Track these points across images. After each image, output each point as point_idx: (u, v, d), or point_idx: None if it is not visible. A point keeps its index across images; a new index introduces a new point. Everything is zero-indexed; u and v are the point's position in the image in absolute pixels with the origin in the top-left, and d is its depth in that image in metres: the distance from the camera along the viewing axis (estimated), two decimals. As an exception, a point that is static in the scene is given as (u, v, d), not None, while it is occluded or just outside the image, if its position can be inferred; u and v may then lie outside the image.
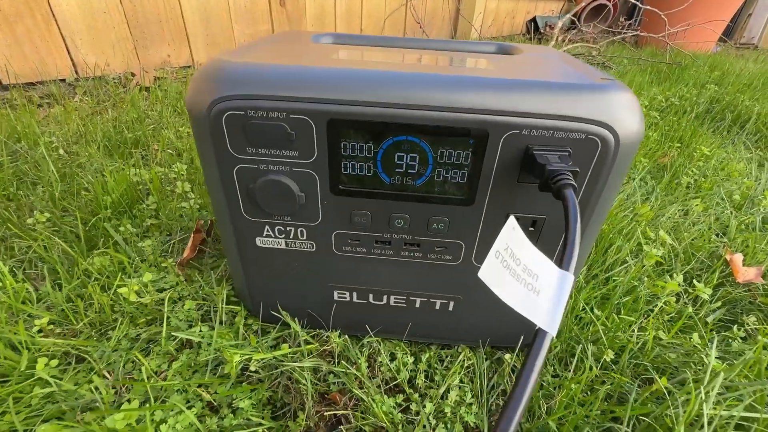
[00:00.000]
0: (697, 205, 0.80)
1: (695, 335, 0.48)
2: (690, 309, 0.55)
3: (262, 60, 0.37)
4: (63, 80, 1.39)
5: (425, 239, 0.42)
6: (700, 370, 0.46)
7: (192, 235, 0.59)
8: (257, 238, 0.44)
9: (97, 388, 0.42)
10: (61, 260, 0.57)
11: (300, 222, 0.42)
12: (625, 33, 2.49)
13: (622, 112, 0.34)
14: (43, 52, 1.31)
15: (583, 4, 3.48)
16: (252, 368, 0.44)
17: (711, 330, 0.54)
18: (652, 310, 0.55)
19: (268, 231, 0.43)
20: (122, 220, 0.65)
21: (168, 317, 0.50)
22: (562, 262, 0.25)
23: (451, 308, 0.48)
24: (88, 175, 0.76)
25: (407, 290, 0.47)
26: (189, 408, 0.40)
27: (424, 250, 0.42)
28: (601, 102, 0.33)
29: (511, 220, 0.24)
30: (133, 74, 1.49)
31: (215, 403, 0.42)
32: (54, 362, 0.44)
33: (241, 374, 0.45)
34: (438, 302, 0.47)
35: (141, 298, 0.52)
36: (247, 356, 0.44)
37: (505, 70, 0.38)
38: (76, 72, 1.40)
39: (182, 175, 0.76)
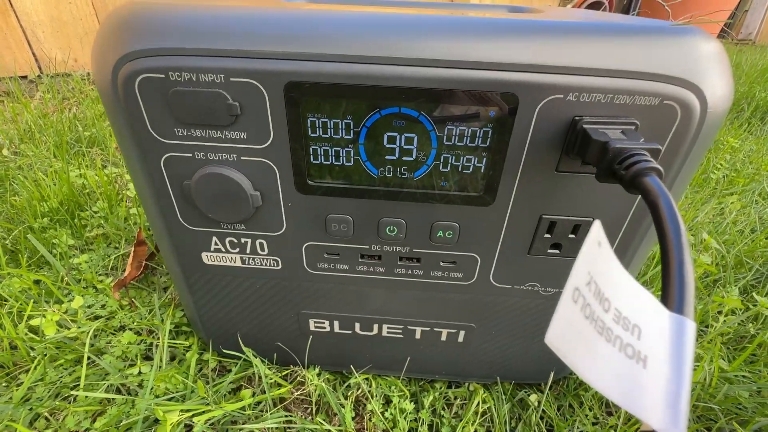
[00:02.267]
0: (732, 202, 0.70)
1: (773, 367, 0.38)
2: (750, 330, 0.44)
3: (192, 3, 0.26)
4: (24, 77, 1.27)
5: (427, 252, 0.31)
6: (781, 412, 0.35)
7: (133, 248, 0.48)
8: (203, 254, 0.33)
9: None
10: (-28, 282, 0.46)
11: (258, 231, 0.31)
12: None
13: (712, 68, 0.23)
14: (1, 45, 1.19)
15: (579, 1, 3.42)
16: (197, 430, 0.33)
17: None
18: (703, 332, 0.45)
19: (216, 244, 0.32)
20: (59, 231, 0.54)
21: (97, 357, 0.39)
22: (668, 299, 0.14)
23: (461, 339, 0.37)
24: (26, 178, 0.64)
25: (404, 317, 0.36)
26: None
27: (427, 266, 0.32)
28: (683, 52, 0.23)
29: (597, 229, 0.13)
30: (102, 70, 1.37)
31: (143, 482, 0.30)
32: (-68, 424, 0.33)
33: (185, 435, 0.34)
34: (444, 332, 0.37)
35: (66, 330, 0.40)
36: (190, 412, 0.32)
37: (537, 17, 0.28)
38: (39, 68, 1.28)
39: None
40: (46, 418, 0.35)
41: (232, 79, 0.24)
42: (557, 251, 0.30)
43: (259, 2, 0.34)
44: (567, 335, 0.12)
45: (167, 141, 0.27)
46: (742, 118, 1.20)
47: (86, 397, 0.35)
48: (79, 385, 0.38)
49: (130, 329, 0.42)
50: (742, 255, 0.55)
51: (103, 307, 0.45)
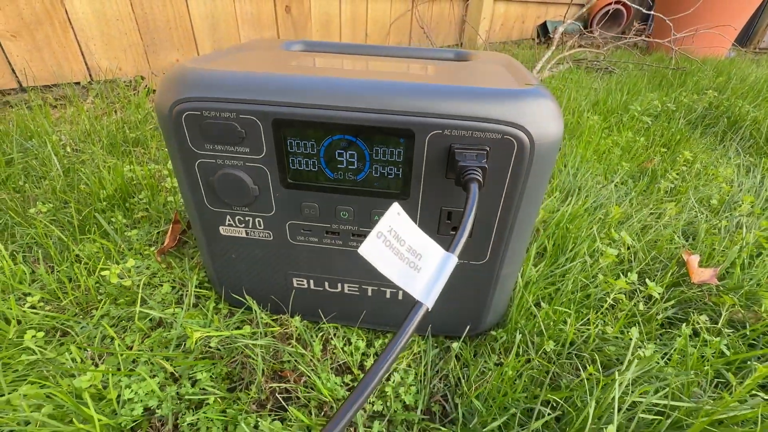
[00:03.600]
0: (671, 208, 0.81)
1: (634, 329, 0.50)
2: (641, 307, 0.57)
3: (220, 67, 0.41)
4: (78, 83, 1.48)
5: (369, 230, 0.45)
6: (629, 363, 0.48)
7: (171, 225, 0.64)
8: (220, 227, 0.48)
9: (74, 359, 0.47)
10: (56, 246, 0.63)
11: (257, 212, 0.46)
12: (632, 38, 2.48)
13: (538, 116, 0.37)
14: (60, 56, 1.40)
15: (597, 9, 3.46)
16: (212, 344, 0.48)
17: (660, 326, 0.56)
18: (600, 307, 0.57)
19: (229, 220, 0.47)
20: (115, 212, 0.71)
21: (145, 299, 0.55)
22: (450, 246, 0.28)
23: (400, 297, 0.51)
24: (87, 170, 0.82)
25: (359, 279, 0.50)
26: (152, 377, 0.45)
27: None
28: (516, 106, 0.36)
29: (395, 207, 0.27)
30: (142, 77, 1.57)
31: (176, 374, 0.46)
32: (41, 334, 0.49)
33: (204, 350, 0.49)
34: (388, 291, 0.51)
35: (122, 280, 0.57)
36: (207, 333, 0.48)
37: (441, 76, 0.42)
38: (90, 76, 1.49)
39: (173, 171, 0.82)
40: (112, 338, 0.51)
41: (240, 116, 0.39)
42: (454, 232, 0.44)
43: (259, 53, 0.49)
44: (373, 253, 0.26)
45: (200, 152, 0.42)
46: (717, 130, 1.28)
47: (139, 321, 0.51)
48: (133, 318, 0.54)
49: (168, 283, 0.58)
50: (650, 250, 0.67)
51: (147, 268, 0.61)
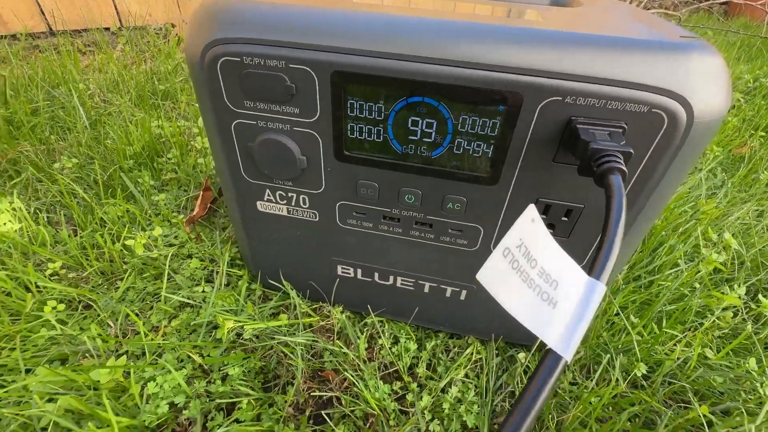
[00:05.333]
0: (775, 205, 0.68)
1: (752, 360, 0.41)
2: (749, 328, 0.47)
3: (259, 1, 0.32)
4: (107, 29, 1.41)
5: (438, 220, 0.37)
6: (751, 400, 0.39)
7: (201, 192, 0.58)
8: (258, 202, 0.41)
9: (96, 337, 0.42)
10: (80, 207, 0.58)
11: (302, 188, 0.38)
12: (713, 0, 2.16)
13: (703, 81, 0.26)
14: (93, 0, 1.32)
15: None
16: (246, 336, 0.42)
17: (772, 353, 0.46)
18: (702, 324, 0.48)
19: (269, 195, 0.40)
20: (142, 172, 0.65)
21: (172, 275, 0.50)
22: (593, 268, 0.20)
23: (462, 297, 0.43)
24: (117, 124, 0.76)
25: (416, 273, 0.42)
26: (180, 368, 0.39)
27: (437, 231, 0.38)
28: (675, 65, 0.26)
29: (531, 210, 0.19)
30: (173, 25, 1.48)
31: (206, 367, 0.41)
32: (62, 306, 0.45)
33: (236, 340, 0.43)
34: (449, 289, 0.43)
35: (149, 252, 0.51)
36: (241, 323, 0.42)
37: (554, 22, 0.31)
38: (120, 21, 1.41)
39: (204, 130, 0.75)
40: (137, 314, 0.46)
41: (290, 66, 0.30)
42: (551, 231, 0.35)
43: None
44: (495, 278, 0.18)
45: (238, 110, 0.34)
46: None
47: (166, 301, 0.46)
48: (159, 294, 0.48)
49: (197, 257, 0.52)
50: (759, 258, 0.56)
51: (175, 237, 0.56)
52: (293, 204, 0.40)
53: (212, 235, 0.56)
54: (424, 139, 0.32)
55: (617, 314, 0.47)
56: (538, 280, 0.18)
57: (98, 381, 0.34)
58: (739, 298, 0.47)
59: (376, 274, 0.44)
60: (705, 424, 0.35)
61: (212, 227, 0.58)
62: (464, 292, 0.43)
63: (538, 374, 0.17)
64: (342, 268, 0.45)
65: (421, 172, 0.34)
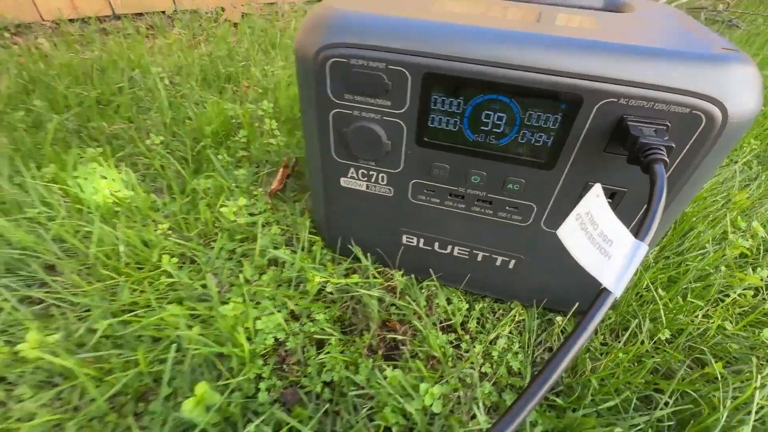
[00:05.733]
0: (807, 198, 0.71)
1: (766, 330, 0.46)
2: (767, 305, 0.52)
3: (367, 8, 0.39)
4: (163, 12, 1.49)
5: (498, 198, 0.44)
6: (762, 365, 0.45)
7: (281, 169, 0.66)
8: (342, 178, 0.48)
9: (204, 285, 0.51)
10: (174, 178, 0.67)
11: (383, 168, 0.45)
12: (766, -17, 2.06)
13: (738, 88, 0.32)
14: (149, -17, 1.41)
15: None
16: (328, 289, 0.51)
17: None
18: (722, 300, 0.53)
19: (352, 173, 0.47)
20: (220, 149, 0.74)
21: (258, 237, 0.59)
22: (638, 233, 0.26)
23: (511, 266, 0.50)
24: (191, 105, 0.85)
25: (472, 243, 0.50)
26: (278, 312, 0.48)
27: (496, 207, 0.45)
28: (715, 75, 0.31)
29: (597, 188, 0.25)
30: (223, 9, 1.55)
31: (297, 313, 0.50)
32: (174, 260, 0.54)
33: (318, 293, 0.52)
34: (499, 258, 0.50)
35: (237, 218, 0.60)
36: (325, 279, 0.50)
37: (609, 32, 0.37)
38: (174, 4, 1.50)
39: (269, 113, 0.83)
40: (231, 270, 0.56)
41: (390, 67, 0.37)
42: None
43: (419, 7, 0.46)
44: (569, 234, 0.25)
45: (338, 101, 0.41)
46: None
47: (258, 257, 0.55)
48: (246, 254, 0.58)
49: (276, 225, 0.61)
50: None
51: (255, 207, 0.64)
52: (372, 181, 0.47)
53: (287, 206, 0.65)
54: (494, 129, 0.38)
55: (647, 288, 0.53)
56: (598, 239, 0.25)
57: (226, 315, 0.43)
58: (762, 279, 0.52)
59: (436, 244, 0.52)
60: (719, 377, 0.42)
61: (285, 199, 0.67)
62: (513, 262, 0.50)
63: (595, 304, 0.24)
64: (406, 237, 0.52)
65: (488, 157, 0.40)
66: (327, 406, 0.41)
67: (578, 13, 0.44)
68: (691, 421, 0.39)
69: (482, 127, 0.39)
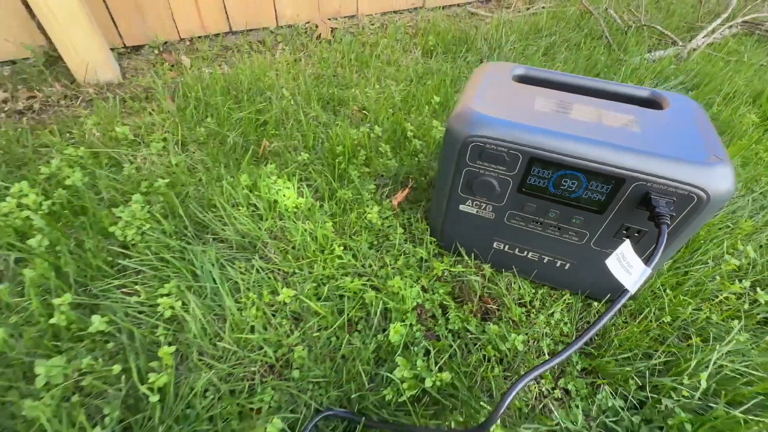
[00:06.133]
0: (802, 228, 0.92)
1: (736, 321, 0.71)
2: (746, 306, 0.76)
3: (494, 112, 0.64)
4: (266, 28, 1.77)
5: (565, 226, 0.70)
6: (724, 341, 0.70)
7: (407, 188, 0.94)
8: (461, 205, 0.76)
9: (363, 265, 0.81)
10: (326, 189, 0.97)
11: (491, 202, 0.72)
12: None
13: (718, 182, 0.56)
14: (260, 4, 1.68)
15: None
16: (439, 273, 0.80)
17: (757, 323, 0.76)
18: (713, 299, 0.78)
19: (469, 203, 0.75)
20: (348, 167, 1.03)
21: (388, 236, 0.88)
22: (647, 262, 0.52)
23: (566, 268, 0.77)
24: (321, 126, 1.14)
25: (542, 251, 0.76)
26: (413, 286, 0.78)
27: (562, 232, 0.71)
28: (706, 175, 0.56)
29: (627, 243, 0.51)
30: (316, 25, 1.81)
31: (426, 287, 0.79)
32: (341, 247, 0.84)
33: (432, 277, 0.81)
34: (559, 262, 0.77)
35: (374, 221, 0.89)
36: (445, 267, 0.79)
37: (645, 136, 0.61)
38: (277, 21, 1.77)
39: (382, 137, 1.10)
40: (374, 255, 0.85)
41: (510, 151, 0.63)
42: (631, 239, 0.67)
43: (500, 90, 0.71)
44: (611, 262, 0.51)
45: (470, 164, 0.68)
46: None
47: (397, 248, 0.84)
48: (382, 246, 0.87)
49: (399, 227, 0.90)
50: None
51: (385, 214, 0.93)
52: (482, 209, 0.74)
53: (405, 214, 0.93)
54: (569, 188, 0.64)
55: (659, 288, 0.78)
56: (625, 265, 0.51)
57: (392, 285, 0.73)
58: (742, 288, 0.76)
59: (516, 249, 0.79)
60: (696, 346, 0.67)
61: (404, 209, 0.95)
62: (567, 265, 0.76)
63: (618, 298, 0.51)
64: (496, 243, 0.80)
65: (562, 203, 0.66)
66: (456, 342, 0.70)
67: (627, 113, 0.68)
68: (673, 368, 0.66)
69: (561, 186, 0.65)
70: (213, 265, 0.77)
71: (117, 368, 0.61)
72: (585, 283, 0.78)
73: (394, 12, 2.08)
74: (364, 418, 0.58)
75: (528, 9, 2.23)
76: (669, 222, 0.56)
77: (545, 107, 0.68)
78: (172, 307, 0.70)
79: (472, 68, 1.54)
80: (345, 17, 1.93)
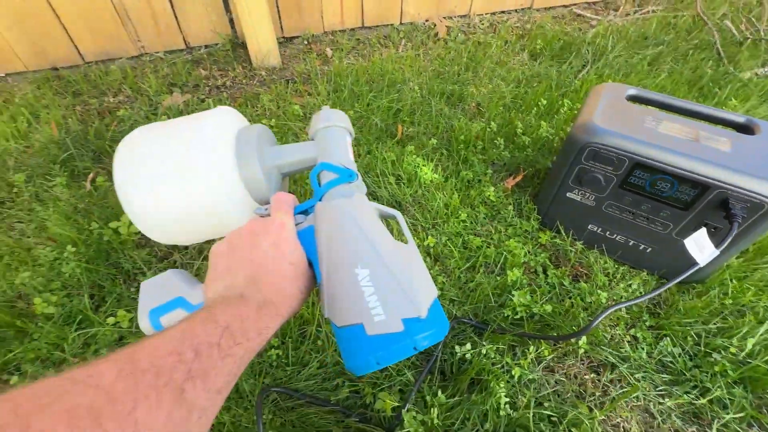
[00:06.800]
0: None
1: (790, 310, 0.89)
2: (804, 303, 0.93)
3: (609, 125, 0.87)
4: (391, 25, 2.04)
5: (653, 217, 0.91)
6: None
7: (520, 174, 1.19)
8: (567, 193, 1.00)
9: (481, 230, 1.08)
10: (453, 169, 1.24)
11: (594, 193, 0.95)
12: None
13: (786, 196, 0.75)
14: (389, 3, 1.95)
15: None
16: (544, 242, 1.05)
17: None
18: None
19: (575, 191, 0.98)
20: (468, 153, 1.29)
21: (500, 211, 1.14)
22: (717, 246, 0.74)
23: (648, 251, 0.98)
24: (445, 118, 1.41)
25: (629, 236, 0.98)
26: (521, 248, 1.03)
27: (650, 222, 0.92)
28: (776, 190, 0.75)
29: (703, 230, 0.72)
30: (434, 24, 2.05)
31: (530, 250, 1.04)
32: (464, 214, 1.12)
33: (535, 244, 1.06)
34: (642, 245, 0.98)
35: (492, 198, 1.15)
36: (547, 240, 1.04)
37: (736, 156, 0.80)
38: (401, 18, 2.03)
39: (495, 131, 1.35)
40: (488, 223, 1.12)
41: (619, 156, 0.86)
42: (710, 230, 0.87)
43: (617, 106, 0.92)
44: (690, 244, 0.73)
45: (584, 163, 0.91)
46: None
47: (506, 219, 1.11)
48: (495, 219, 1.13)
49: (510, 206, 1.15)
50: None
51: (498, 193, 1.19)
52: (585, 197, 0.98)
53: (513, 196, 1.18)
54: (662, 189, 0.85)
55: (726, 278, 0.96)
56: (699, 244, 0.73)
57: (509, 245, 1.00)
58: (803, 287, 0.92)
59: (608, 232, 1.01)
60: (750, 321, 0.86)
61: (514, 191, 1.20)
62: (649, 249, 0.97)
63: (690, 267, 0.73)
64: (590, 226, 1.02)
65: (654, 199, 0.88)
66: (552, 290, 0.96)
67: (721, 135, 0.86)
68: (725, 333, 0.86)
69: (656, 186, 0.86)
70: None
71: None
72: (662, 265, 0.99)
73: (503, 12, 2.24)
74: (490, 325, 0.86)
75: (636, 12, 2.27)
76: (740, 221, 0.76)
77: (652, 124, 0.88)
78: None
79: (576, 74, 1.71)
80: (458, 16, 2.14)
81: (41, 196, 1.11)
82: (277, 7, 1.78)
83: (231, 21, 1.77)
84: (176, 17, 1.68)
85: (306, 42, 1.90)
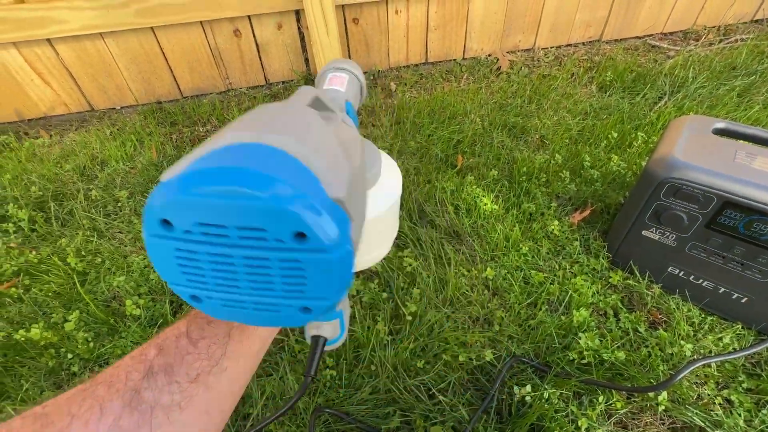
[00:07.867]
0: None
1: None
2: None
3: (694, 161, 0.80)
4: (454, 60, 2.11)
5: (749, 263, 0.81)
6: None
7: (588, 209, 1.14)
8: (643, 231, 0.92)
9: (543, 265, 1.03)
10: (514, 201, 1.22)
11: (675, 232, 0.88)
12: None
13: None
14: (453, 40, 2.02)
15: None
16: (615, 283, 0.97)
17: None
18: None
19: (652, 230, 0.91)
20: (531, 186, 1.26)
21: (564, 247, 1.08)
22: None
23: (743, 301, 0.86)
24: (505, 149, 1.39)
25: (718, 282, 0.88)
26: (589, 288, 0.97)
27: (745, 267, 0.82)
28: None
29: None
30: (497, 58, 2.08)
31: (598, 291, 0.97)
32: (525, 248, 1.08)
33: (605, 284, 0.99)
34: (735, 294, 0.87)
35: (556, 232, 1.10)
36: (619, 281, 0.97)
37: None
38: (464, 54, 2.09)
39: (560, 165, 1.30)
40: (552, 259, 1.06)
41: (705, 194, 0.78)
42: (816, 284, 0.75)
43: (703, 141, 0.85)
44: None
45: (664, 200, 0.84)
46: None
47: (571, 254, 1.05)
48: (557, 254, 1.07)
49: (576, 241, 1.09)
50: None
51: (562, 228, 1.14)
52: (664, 236, 0.90)
53: (579, 232, 1.12)
54: (759, 231, 0.76)
55: None
56: None
57: (575, 283, 0.94)
58: None
59: (692, 276, 0.91)
60: None
61: (581, 227, 1.14)
62: (744, 299, 0.86)
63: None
64: (671, 268, 0.93)
65: (750, 242, 0.78)
66: (625, 337, 0.88)
67: (836, 173, 0.76)
68: None
69: (751, 228, 0.77)
70: (432, 241, 1.09)
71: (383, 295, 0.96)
72: (761, 318, 0.86)
73: (569, 45, 2.21)
74: (552, 368, 0.81)
75: (720, 41, 2.11)
76: None
77: (745, 160, 0.81)
78: (410, 265, 1.03)
79: (651, 106, 1.61)
80: (522, 50, 2.15)
81: (139, 210, 1.27)
82: (348, 46, 1.92)
83: (306, 60, 1.94)
84: (260, 57, 1.88)
85: (372, 77, 2.02)
